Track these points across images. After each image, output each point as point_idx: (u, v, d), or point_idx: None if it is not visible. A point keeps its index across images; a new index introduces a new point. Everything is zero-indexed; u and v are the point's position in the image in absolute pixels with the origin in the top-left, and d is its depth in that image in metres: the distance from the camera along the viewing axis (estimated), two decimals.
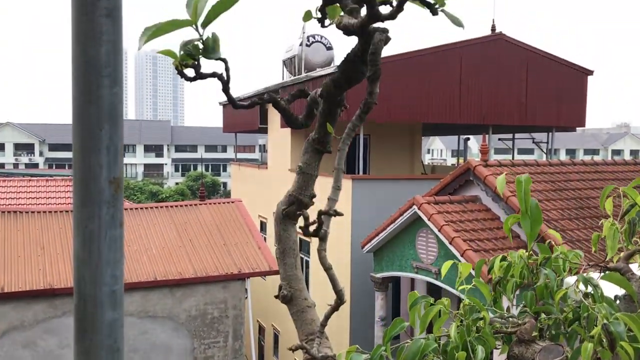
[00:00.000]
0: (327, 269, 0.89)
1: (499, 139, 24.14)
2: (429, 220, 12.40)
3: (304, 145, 1.07)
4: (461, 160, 29.33)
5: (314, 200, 1.04)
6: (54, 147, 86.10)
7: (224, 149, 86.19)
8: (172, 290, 12.95)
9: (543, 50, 18.70)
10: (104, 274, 0.87)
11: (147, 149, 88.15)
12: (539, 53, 18.53)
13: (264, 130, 25.46)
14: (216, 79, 1.06)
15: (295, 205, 1.04)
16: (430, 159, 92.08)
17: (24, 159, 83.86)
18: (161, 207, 15.27)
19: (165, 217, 14.73)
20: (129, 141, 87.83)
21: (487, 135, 15.73)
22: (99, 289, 0.88)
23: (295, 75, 22.45)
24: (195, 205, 15.37)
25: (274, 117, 23.26)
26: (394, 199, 16.36)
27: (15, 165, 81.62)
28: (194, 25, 1.02)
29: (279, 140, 22.82)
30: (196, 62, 1.05)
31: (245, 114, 26.11)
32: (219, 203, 15.62)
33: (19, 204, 21.50)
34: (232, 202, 15.70)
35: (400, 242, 13.92)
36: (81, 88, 0.86)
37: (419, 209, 12.71)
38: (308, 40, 22.36)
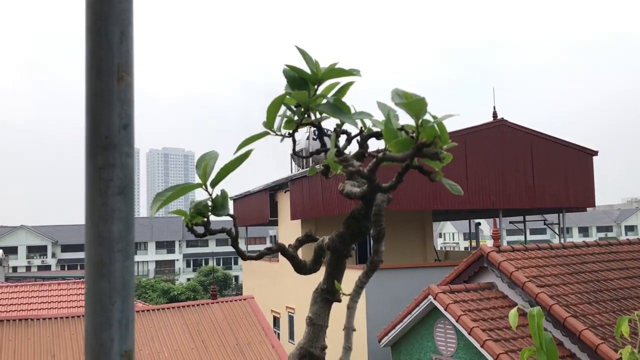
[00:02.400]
0: None
1: (510, 222, 24.03)
2: (445, 310, 12.14)
3: (312, 295, 1.08)
4: (474, 243, 29.07)
5: (325, 351, 1.04)
6: (66, 248, 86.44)
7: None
8: None
9: (546, 134, 19.00)
10: None
11: (159, 245, 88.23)
12: (542, 137, 18.81)
13: (275, 223, 25.55)
14: (226, 233, 1.10)
15: (306, 358, 1.04)
16: (443, 243, 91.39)
17: (37, 261, 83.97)
18: (173, 307, 15.07)
19: (177, 317, 14.51)
20: (141, 239, 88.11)
21: (497, 220, 15.67)
22: None
23: (303, 168, 22.81)
24: (207, 304, 15.16)
25: (284, 209, 23.42)
26: (408, 288, 16.11)
27: (28, 268, 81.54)
28: (203, 186, 1.07)
29: (290, 233, 22.83)
30: (206, 220, 1.09)
31: (256, 207, 26.33)
32: (230, 301, 15.42)
33: (30, 309, 21.30)
34: (244, 300, 15.49)
35: (418, 334, 13.56)
36: (93, 263, 0.89)
37: (434, 299, 12.47)
38: (315, 134, 22.89)
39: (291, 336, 22.11)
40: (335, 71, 0.96)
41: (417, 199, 17.44)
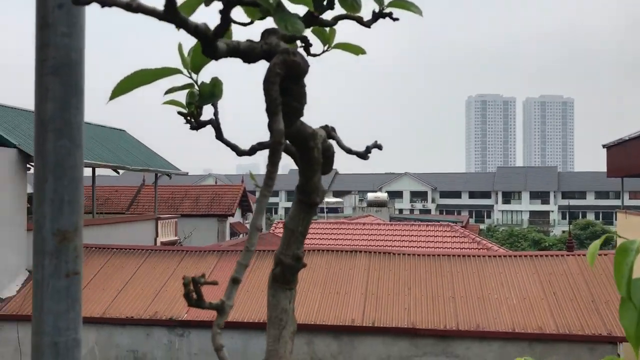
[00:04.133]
0: (216, 349, 0.69)
1: None
2: None
3: None
4: None
5: (302, 262, 0.85)
6: (444, 195, 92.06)
7: (617, 196, 78.28)
8: (531, 345, 12.18)
9: None
10: (45, 324, 0.89)
11: (533, 195, 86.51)
12: None
13: None
14: (211, 125, 0.99)
15: (278, 267, 0.87)
16: None
17: (418, 205, 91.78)
18: (524, 255, 14.67)
19: (528, 266, 14.08)
20: (514, 188, 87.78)
21: None
22: (40, 339, 0.89)
23: None
24: (562, 255, 14.27)
25: None
26: None
27: (411, 211, 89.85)
28: (187, 72, 0.98)
29: None
30: (196, 111, 1.00)
31: (631, 156, 23.26)
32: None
33: (402, 246, 23.54)
34: (606, 255, 14.03)
35: None
36: (35, 142, 0.91)
37: None
38: None
39: None
40: None
41: None
